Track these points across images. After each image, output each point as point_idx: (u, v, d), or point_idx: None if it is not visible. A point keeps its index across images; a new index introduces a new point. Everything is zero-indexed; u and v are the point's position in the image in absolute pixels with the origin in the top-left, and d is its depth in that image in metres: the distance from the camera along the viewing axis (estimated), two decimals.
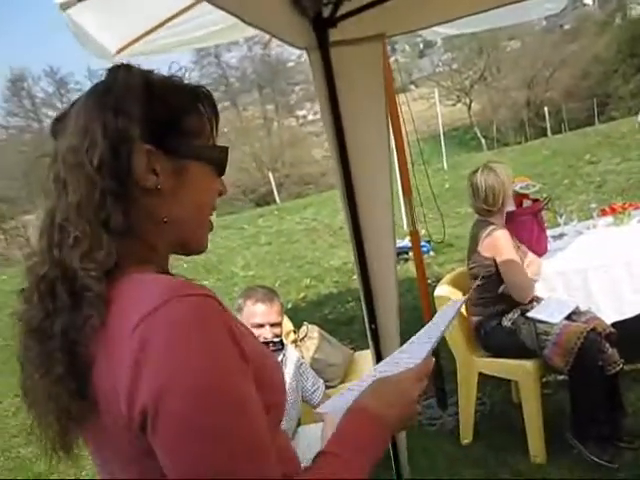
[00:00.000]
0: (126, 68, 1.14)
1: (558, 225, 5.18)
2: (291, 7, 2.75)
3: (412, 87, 45.68)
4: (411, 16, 3.08)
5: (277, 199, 28.27)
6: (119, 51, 3.44)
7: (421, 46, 52.13)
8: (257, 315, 2.95)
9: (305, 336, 4.20)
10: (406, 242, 8.34)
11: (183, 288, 0.97)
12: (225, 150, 1.22)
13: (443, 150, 20.53)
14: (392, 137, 4.15)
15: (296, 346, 3.97)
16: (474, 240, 3.82)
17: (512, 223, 4.11)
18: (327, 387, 3.50)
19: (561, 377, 4.06)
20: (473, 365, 3.92)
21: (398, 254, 8.09)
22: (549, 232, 4.88)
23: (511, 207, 4.21)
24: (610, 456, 3.41)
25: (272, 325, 2.98)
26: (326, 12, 2.85)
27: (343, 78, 2.92)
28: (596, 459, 3.41)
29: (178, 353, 0.91)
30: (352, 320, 7.13)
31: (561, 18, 40.97)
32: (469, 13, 3.17)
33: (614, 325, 3.65)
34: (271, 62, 49.49)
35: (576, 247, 4.58)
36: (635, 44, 37.36)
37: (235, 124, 43.55)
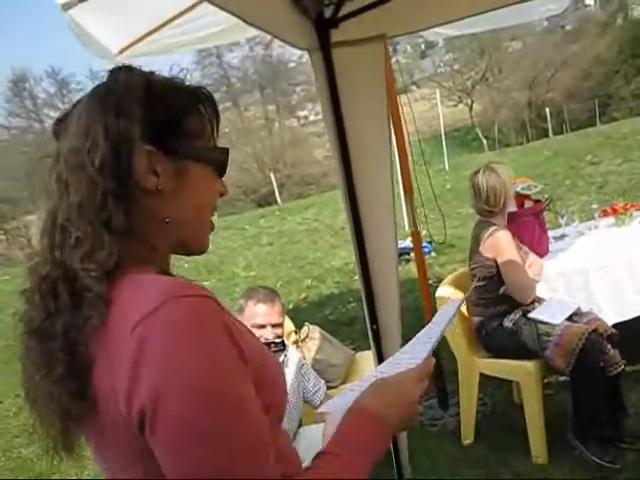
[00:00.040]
0: (127, 69, 1.15)
1: (559, 226, 5.18)
2: (293, 8, 2.75)
3: (414, 88, 45.63)
4: (413, 17, 3.09)
5: (278, 199, 28.27)
6: (121, 52, 3.44)
7: (422, 47, 52.15)
8: (258, 316, 2.95)
9: (306, 337, 4.20)
10: (407, 243, 8.33)
11: (182, 289, 0.98)
12: (225, 151, 1.22)
13: (445, 151, 20.52)
14: (393, 137, 4.15)
15: (297, 347, 3.97)
16: (475, 241, 3.82)
17: (514, 224, 4.11)
18: (328, 388, 3.50)
19: (562, 378, 4.06)
20: (474, 366, 3.92)
21: (399, 255, 8.08)
22: (550, 233, 4.88)
23: (513, 208, 4.21)
24: (612, 457, 3.41)
25: (273, 326, 2.98)
26: (328, 13, 2.86)
27: (345, 79, 2.92)
28: (598, 460, 3.41)
29: (176, 354, 0.91)
30: (353, 321, 7.13)
31: (562, 19, 40.98)
32: (470, 14, 3.18)
33: (615, 326, 3.65)
34: (272, 63, 49.51)
35: (577, 248, 4.58)
36: (637, 45, 37.36)
37: (236, 124, 43.57)
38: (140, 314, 0.93)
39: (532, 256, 3.95)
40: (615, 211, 5.01)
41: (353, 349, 4.79)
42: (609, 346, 3.45)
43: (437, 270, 8.39)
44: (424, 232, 6.01)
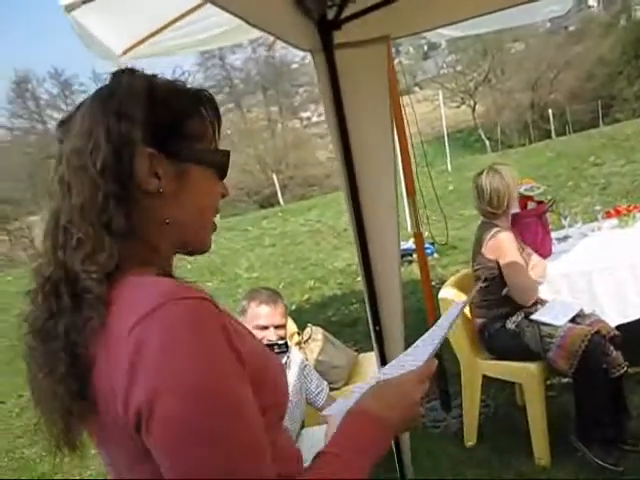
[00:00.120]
0: (130, 72, 1.16)
1: (562, 227, 5.17)
2: (295, 9, 2.75)
3: (416, 89, 45.62)
4: (415, 18, 3.09)
5: (281, 201, 28.25)
6: (124, 53, 3.45)
7: (425, 48, 51.99)
8: (261, 317, 2.95)
9: (309, 338, 4.20)
10: (410, 244, 8.32)
11: (180, 291, 0.98)
12: (227, 154, 1.23)
13: (447, 152, 20.51)
14: (396, 139, 4.15)
15: (300, 348, 3.97)
16: (478, 242, 3.81)
17: (517, 225, 4.10)
18: (331, 389, 3.50)
19: (565, 380, 4.05)
20: (477, 367, 3.92)
21: (402, 256, 8.07)
22: (553, 234, 4.87)
23: (515, 209, 4.21)
24: (614, 459, 3.40)
25: (276, 327, 2.98)
26: (330, 14, 2.85)
27: (347, 80, 2.92)
28: (600, 462, 3.40)
29: (173, 355, 0.92)
30: (356, 322, 7.13)
31: (565, 20, 40.85)
32: (473, 15, 3.18)
33: (618, 328, 3.64)
34: (275, 64, 49.44)
35: (581, 249, 4.57)
36: None
37: (239, 126, 43.56)
38: (138, 315, 0.94)
39: (535, 257, 3.94)
40: (618, 212, 5.00)
41: (356, 350, 4.79)
42: (612, 348, 3.44)
43: (439, 271, 8.38)
44: (426, 233, 6.01)
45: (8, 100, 45.00)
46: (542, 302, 3.79)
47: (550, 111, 33.13)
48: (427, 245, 7.88)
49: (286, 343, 3.04)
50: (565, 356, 3.42)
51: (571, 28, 45.09)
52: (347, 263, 10.42)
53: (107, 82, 1.16)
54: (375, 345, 3.18)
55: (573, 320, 3.61)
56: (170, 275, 1.18)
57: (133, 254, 1.08)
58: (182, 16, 3.30)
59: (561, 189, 12.14)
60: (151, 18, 3.30)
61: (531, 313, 3.67)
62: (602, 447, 3.45)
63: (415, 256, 7.08)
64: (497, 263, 3.69)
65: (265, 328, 2.94)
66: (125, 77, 1.14)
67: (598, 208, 5.40)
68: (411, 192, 4.63)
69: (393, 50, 4.72)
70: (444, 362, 4.38)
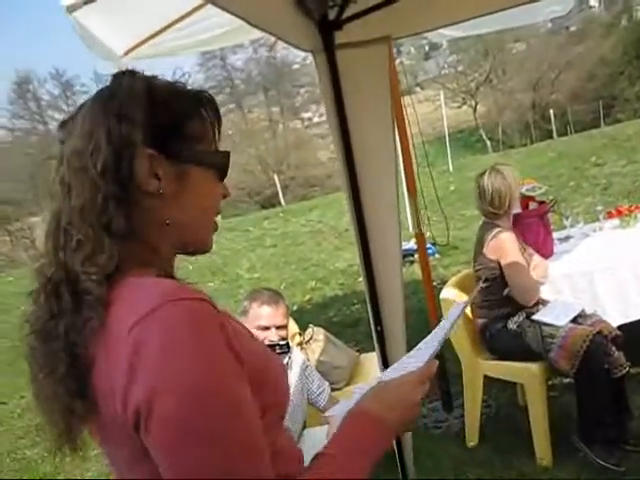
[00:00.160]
0: (130, 74, 1.16)
1: (564, 227, 5.17)
2: (297, 9, 2.75)
3: (417, 89, 45.61)
4: (417, 18, 3.09)
5: (282, 201, 28.24)
6: (125, 54, 3.45)
7: (426, 48, 51.94)
8: (263, 318, 2.95)
9: (310, 338, 4.19)
10: (411, 244, 8.32)
11: (178, 292, 0.99)
12: (227, 155, 1.23)
13: (448, 152, 20.50)
14: (397, 139, 4.15)
15: (302, 348, 3.97)
16: (479, 242, 3.81)
17: (518, 225, 4.11)
18: (333, 390, 3.50)
19: (567, 380, 4.06)
20: (478, 368, 3.92)
21: (403, 256, 8.06)
22: (555, 234, 4.87)
23: (517, 209, 4.21)
24: (616, 459, 3.40)
25: (278, 327, 2.98)
26: (332, 14, 2.86)
27: (349, 80, 2.92)
28: (602, 462, 3.40)
29: (171, 355, 0.93)
30: (357, 322, 7.12)
31: (567, 20, 40.79)
32: (475, 15, 3.18)
33: (620, 328, 3.64)
34: (276, 64, 49.43)
35: (582, 249, 4.57)
36: None
37: (240, 126, 43.56)
38: (137, 316, 0.95)
39: (537, 258, 3.94)
40: (620, 213, 5.00)
41: (357, 351, 4.78)
42: (614, 348, 3.44)
43: (441, 272, 8.38)
44: (427, 234, 6.01)
45: (9, 101, 45.04)
46: (544, 302, 3.79)
47: (551, 111, 33.10)
48: (429, 245, 7.88)
49: (288, 344, 3.04)
50: (567, 356, 3.41)
51: (572, 28, 45.04)
52: (348, 263, 10.41)
53: (108, 84, 1.16)
54: (376, 345, 3.18)
55: (575, 320, 3.61)
56: (171, 276, 1.18)
57: (133, 255, 1.08)
58: (183, 17, 3.30)
59: (563, 189, 12.13)
60: (152, 19, 3.31)
61: (532, 313, 3.67)
62: (604, 447, 3.44)
63: (417, 256, 7.08)
64: (498, 263, 3.69)
65: (267, 329, 2.94)
66: (125, 79, 1.15)
67: (600, 208, 5.39)
68: (412, 192, 4.63)
69: (394, 50, 4.71)
70: (445, 362, 4.38)
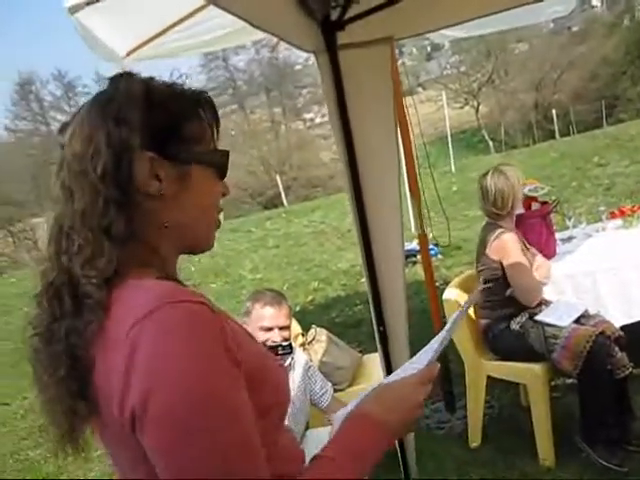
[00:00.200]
0: (128, 76, 1.17)
1: (567, 228, 5.16)
2: (299, 10, 2.75)
3: (420, 90, 45.58)
4: (419, 19, 3.09)
5: (285, 202, 28.26)
6: (127, 55, 3.45)
7: (429, 49, 51.93)
8: (265, 318, 2.95)
9: (313, 339, 4.19)
10: (414, 245, 8.33)
11: (177, 294, 1.00)
12: (226, 154, 1.24)
13: (451, 153, 20.50)
14: (400, 140, 4.14)
15: (304, 349, 3.97)
16: (482, 243, 3.81)
17: (521, 226, 4.11)
18: (335, 390, 3.50)
19: (570, 381, 4.05)
20: (481, 368, 3.91)
21: (406, 257, 8.07)
22: (558, 235, 4.87)
23: (520, 210, 4.20)
24: (619, 460, 3.40)
25: (281, 328, 2.97)
26: (334, 15, 2.85)
27: (351, 81, 2.92)
28: (605, 463, 3.40)
29: (167, 357, 0.94)
30: (360, 323, 7.12)
31: (569, 20, 40.76)
32: (477, 16, 3.17)
33: (623, 328, 3.64)
34: (279, 65, 49.48)
35: (585, 250, 4.57)
36: None
37: (242, 127, 43.65)
38: (135, 318, 0.96)
39: (540, 258, 3.94)
40: (623, 213, 5.00)
41: (360, 351, 4.79)
42: (617, 349, 3.43)
43: (444, 272, 8.37)
44: (429, 235, 6.01)
45: (12, 102, 45.14)
46: (546, 303, 3.79)
47: (554, 111, 33.10)
48: (431, 246, 7.87)
49: (290, 344, 3.03)
50: (569, 357, 3.41)
51: (575, 28, 45.03)
52: (351, 264, 10.41)
53: (105, 87, 1.16)
54: (379, 346, 3.17)
55: (577, 321, 3.60)
56: (173, 278, 1.18)
57: (133, 257, 1.09)
58: (185, 18, 3.30)
59: (565, 190, 12.12)
60: (154, 20, 3.31)
61: (535, 314, 3.66)
62: (607, 448, 3.44)
63: (419, 257, 7.08)
64: (501, 264, 3.69)
65: (269, 329, 2.94)
66: (123, 82, 1.15)
67: (602, 209, 5.39)
68: (415, 193, 4.62)
69: (396, 51, 4.72)
70: (448, 363, 4.38)
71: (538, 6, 3.50)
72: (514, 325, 3.68)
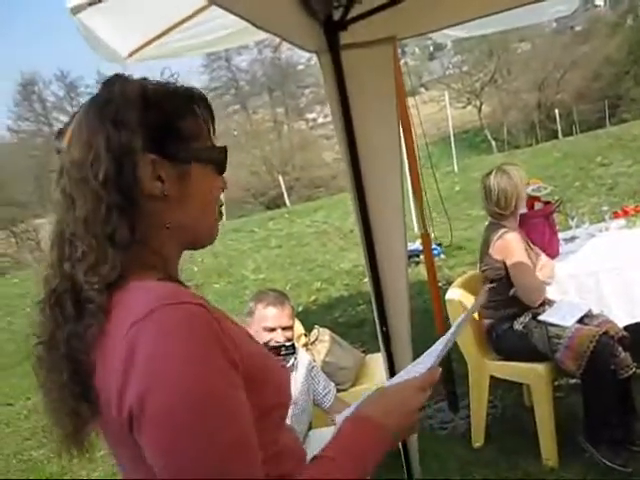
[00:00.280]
0: (122, 79, 1.16)
1: (570, 228, 5.15)
2: (301, 10, 2.75)
3: (422, 90, 45.65)
4: (422, 19, 3.09)
5: (287, 202, 28.25)
6: (130, 55, 3.45)
7: (431, 49, 51.98)
8: (269, 319, 2.95)
9: (316, 339, 4.20)
10: (417, 245, 8.32)
11: (177, 295, 1.01)
12: (224, 150, 1.24)
13: (454, 152, 20.51)
14: (402, 140, 4.14)
15: (307, 349, 3.97)
16: (485, 243, 3.81)
17: (524, 226, 4.10)
18: (338, 390, 3.50)
19: (573, 381, 4.04)
20: (485, 368, 3.91)
21: (409, 257, 8.06)
22: (561, 235, 4.86)
23: (523, 210, 4.20)
24: (623, 460, 3.39)
25: (284, 329, 2.97)
26: (336, 15, 2.85)
27: (354, 81, 2.92)
28: (609, 463, 3.39)
29: (166, 358, 0.94)
30: (363, 323, 7.12)
31: (572, 19, 40.75)
32: (480, 15, 3.17)
33: (627, 328, 3.63)
34: (281, 65, 49.57)
35: (588, 250, 4.56)
36: None
37: (245, 127, 43.71)
38: (135, 318, 0.96)
39: (543, 258, 3.93)
40: (626, 213, 4.99)
41: (363, 351, 4.78)
42: (620, 349, 3.43)
43: (447, 272, 8.37)
44: (432, 235, 6.01)
45: (14, 103, 45.22)
46: (550, 303, 3.78)
47: (557, 111, 33.10)
48: (434, 246, 7.87)
49: (293, 345, 3.04)
50: (573, 357, 3.41)
51: (577, 28, 45.02)
52: (354, 264, 10.41)
53: (99, 91, 1.16)
54: (382, 346, 3.17)
55: (581, 321, 3.60)
56: (175, 279, 1.18)
57: (135, 259, 1.09)
58: (188, 18, 3.30)
59: (568, 189, 12.11)
60: (157, 20, 3.30)
61: (539, 314, 3.66)
62: (610, 448, 3.43)
63: (422, 257, 7.08)
64: (504, 264, 3.68)
65: (272, 330, 2.94)
66: (117, 84, 1.14)
67: (605, 208, 5.39)
68: (418, 193, 4.62)
69: (399, 51, 4.72)
70: (452, 363, 4.38)
71: (540, 6, 3.49)
72: (517, 325, 3.68)
